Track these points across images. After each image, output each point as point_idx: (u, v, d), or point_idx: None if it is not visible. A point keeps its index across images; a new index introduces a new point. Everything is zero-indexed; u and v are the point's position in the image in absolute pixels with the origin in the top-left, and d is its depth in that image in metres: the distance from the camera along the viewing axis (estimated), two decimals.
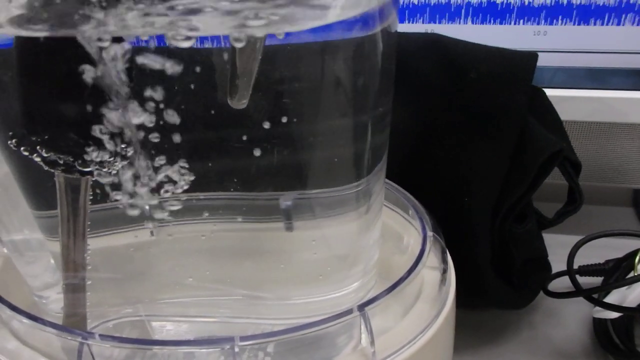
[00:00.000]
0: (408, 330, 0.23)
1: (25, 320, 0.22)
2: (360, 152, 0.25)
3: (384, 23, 0.22)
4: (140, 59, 0.19)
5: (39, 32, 0.18)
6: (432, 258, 0.26)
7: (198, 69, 0.20)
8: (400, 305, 0.25)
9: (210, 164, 0.23)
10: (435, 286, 0.26)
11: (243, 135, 0.22)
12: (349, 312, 0.21)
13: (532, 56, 0.30)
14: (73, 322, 0.25)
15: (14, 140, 0.21)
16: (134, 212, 0.25)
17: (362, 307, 0.22)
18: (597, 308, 0.33)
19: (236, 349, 0.21)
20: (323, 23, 0.20)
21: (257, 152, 0.22)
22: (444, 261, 0.26)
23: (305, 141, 0.23)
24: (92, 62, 0.19)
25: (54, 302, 0.26)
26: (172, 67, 0.19)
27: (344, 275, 0.27)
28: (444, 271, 0.26)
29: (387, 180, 0.28)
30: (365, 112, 0.24)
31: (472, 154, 0.32)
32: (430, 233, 0.26)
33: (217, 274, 0.27)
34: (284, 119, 0.22)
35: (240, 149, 0.22)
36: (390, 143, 0.27)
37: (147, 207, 0.27)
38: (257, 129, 0.22)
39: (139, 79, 0.19)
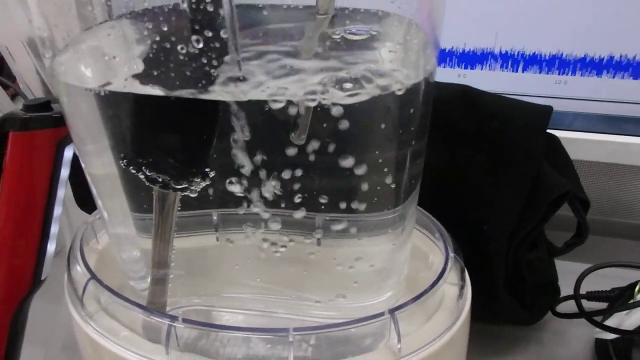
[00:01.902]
0: (429, 333, 0.26)
1: (126, 304, 0.26)
2: (399, 181, 0.27)
3: (426, 74, 0.25)
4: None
5: (154, 91, 0.22)
6: (452, 275, 0.29)
7: (266, 113, 0.23)
8: (423, 313, 0.27)
9: (274, 189, 0.26)
10: (454, 299, 0.28)
11: (304, 166, 0.25)
12: (381, 314, 0.25)
13: (547, 109, 0.33)
14: (155, 307, 0.28)
15: (124, 161, 0.25)
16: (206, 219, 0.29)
17: (392, 311, 0.25)
18: (598, 329, 0.36)
19: (290, 338, 0.24)
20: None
21: (316, 180, 0.25)
22: (463, 279, 0.29)
23: (356, 171, 0.25)
24: (192, 112, 0.22)
25: (140, 285, 0.30)
26: (249, 114, 0.23)
27: (379, 286, 0.29)
28: (462, 287, 0.29)
29: (417, 207, 0.31)
30: (405, 147, 0.26)
31: (493, 190, 0.34)
32: (451, 254, 0.29)
33: (270, 276, 0.30)
34: (341, 154, 0.25)
35: (301, 177, 0.25)
36: (424, 176, 0.29)
37: (214, 218, 0.31)
38: (316, 161, 0.25)
39: (225, 122, 0.23)
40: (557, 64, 0.41)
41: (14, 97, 0.53)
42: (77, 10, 0.23)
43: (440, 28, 0.25)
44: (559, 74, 0.42)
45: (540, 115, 0.33)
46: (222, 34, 0.20)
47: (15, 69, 0.29)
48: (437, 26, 0.24)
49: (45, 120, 0.26)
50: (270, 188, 0.26)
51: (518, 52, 0.42)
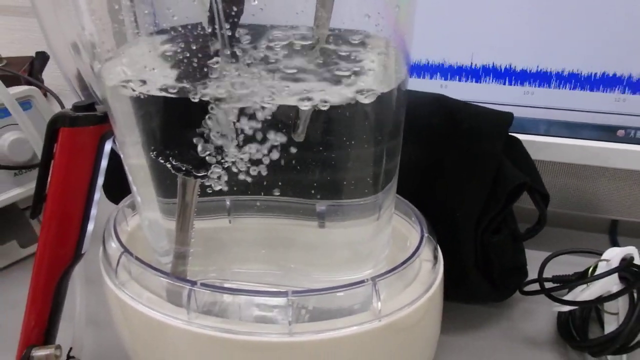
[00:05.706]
0: (404, 299, 0.29)
1: (153, 272, 0.29)
2: (376, 173, 0.29)
3: (399, 83, 0.28)
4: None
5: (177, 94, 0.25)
6: (426, 252, 0.31)
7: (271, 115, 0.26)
8: (401, 283, 0.30)
9: (275, 179, 0.28)
10: (427, 272, 0.31)
11: (299, 160, 0.27)
12: (364, 281, 0.28)
13: (508, 115, 0.36)
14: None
15: (154, 152, 0.28)
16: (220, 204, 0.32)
17: (374, 278, 0.28)
18: (556, 303, 0.39)
19: (289, 300, 0.27)
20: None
21: (306, 171, 0.27)
22: (435, 256, 0.32)
23: (340, 164, 0.28)
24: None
25: (165, 259, 0.32)
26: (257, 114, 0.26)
27: (359, 264, 0.32)
28: (435, 263, 0.32)
29: (398, 196, 0.34)
30: (382, 144, 0.29)
31: (462, 183, 0.37)
32: (426, 234, 0.32)
33: (272, 254, 0.33)
34: (328, 148, 0.27)
35: (295, 169, 0.27)
36: (404, 172, 0.32)
37: (228, 203, 0.34)
38: (309, 155, 0.27)
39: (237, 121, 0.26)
40: (526, 77, 0.44)
41: (44, 95, 0.56)
42: (112, 25, 0.26)
43: (409, 47, 0.28)
44: (527, 86, 0.44)
45: (502, 120, 0.36)
46: (236, 53, 0.23)
47: (63, 70, 0.32)
48: (407, 45, 0.28)
49: (90, 118, 0.29)
50: (271, 179, 0.28)
51: (491, 67, 0.45)
